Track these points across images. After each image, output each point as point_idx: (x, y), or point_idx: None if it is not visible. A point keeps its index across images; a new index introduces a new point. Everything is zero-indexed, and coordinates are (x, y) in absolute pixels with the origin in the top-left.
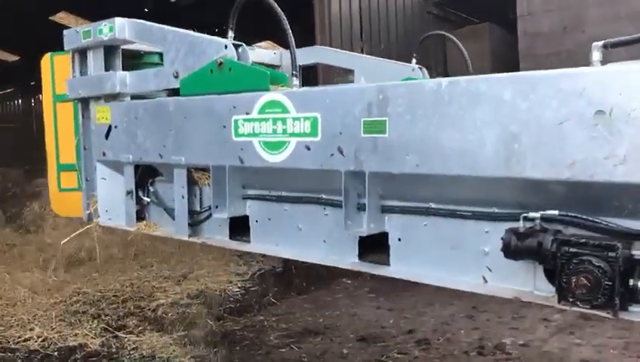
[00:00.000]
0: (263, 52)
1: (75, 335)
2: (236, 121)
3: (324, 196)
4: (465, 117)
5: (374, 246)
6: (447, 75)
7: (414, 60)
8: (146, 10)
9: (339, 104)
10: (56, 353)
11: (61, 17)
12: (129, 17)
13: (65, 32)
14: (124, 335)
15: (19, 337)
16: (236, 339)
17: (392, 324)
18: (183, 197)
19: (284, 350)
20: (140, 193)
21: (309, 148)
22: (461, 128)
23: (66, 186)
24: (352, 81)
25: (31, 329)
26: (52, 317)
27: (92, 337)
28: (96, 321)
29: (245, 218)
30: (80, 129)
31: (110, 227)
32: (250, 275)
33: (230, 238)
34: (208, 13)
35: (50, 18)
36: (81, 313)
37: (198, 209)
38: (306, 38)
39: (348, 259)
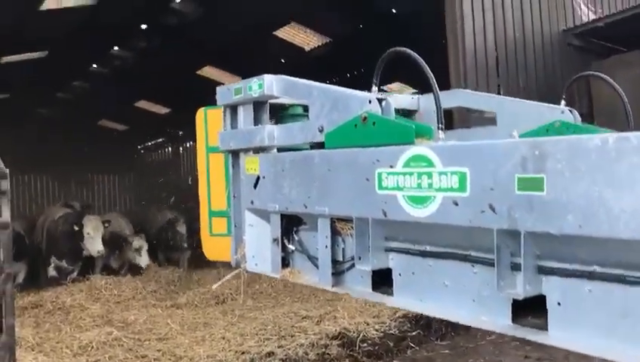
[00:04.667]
0: (401, 97)
1: None
2: (380, 174)
3: (472, 253)
4: (637, 177)
5: (528, 307)
6: (592, 116)
7: (563, 102)
8: (282, 60)
9: (489, 159)
10: None
11: (207, 72)
12: (266, 68)
13: (218, 88)
14: None
15: None
16: None
17: None
18: (326, 247)
19: None
20: (285, 241)
21: (456, 204)
22: (632, 189)
23: (216, 231)
24: (495, 122)
25: None
26: (200, 353)
27: None
28: (240, 359)
29: (388, 270)
30: (230, 178)
31: (256, 272)
32: (388, 318)
33: (373, 290)
34: (337, 62)
35: (197, 72)
36: (227, 350)
37: (341, 259)
38: (439, 76)
39: (500, 322)
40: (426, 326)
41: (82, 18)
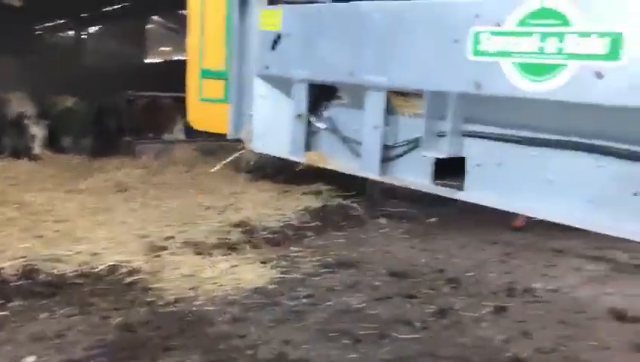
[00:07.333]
0: None
1: (121, 253)
2: (477, 34)
3: (599, 143)
4: None
5: None
6: None
7: None
8: None
9: None
10: (102, 266)
11: None
12: None
13: None
14: (167, 256)
15: (69, 251)
16: (272, 266)
17: (424, 263)
18: (376, 127)
19: (318, 278)
20: (312, 118)
21: (600, 76)
22: None
23: (208, 96)
24: None
25: (81, 245)
26: (100, 235)
27: (136, 255)
28: (140, 241)
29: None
30: (234, 32)
31: (267, 154)
32: (289, 210)
33: (434, 182)
34: None
35: None
36: (127, 233)
37: (390, 143)
38: None
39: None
40: (324, 218)
41: None
